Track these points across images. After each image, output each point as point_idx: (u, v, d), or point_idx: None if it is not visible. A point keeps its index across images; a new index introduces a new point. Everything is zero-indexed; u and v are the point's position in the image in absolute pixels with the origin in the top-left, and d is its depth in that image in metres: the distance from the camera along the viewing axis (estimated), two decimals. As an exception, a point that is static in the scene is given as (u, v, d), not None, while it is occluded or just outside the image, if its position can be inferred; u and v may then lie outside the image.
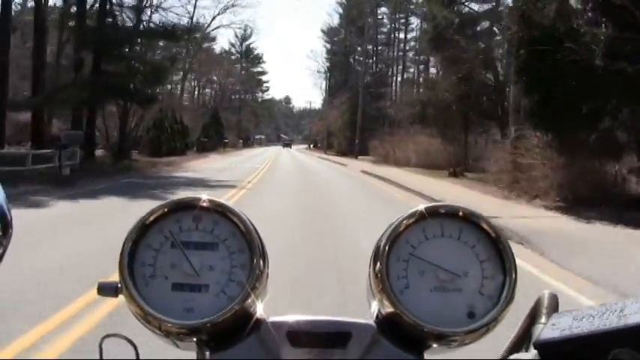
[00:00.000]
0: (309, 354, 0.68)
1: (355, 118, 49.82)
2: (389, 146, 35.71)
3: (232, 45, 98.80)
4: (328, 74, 72.72)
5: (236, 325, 0.69)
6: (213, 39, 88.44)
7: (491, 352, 0.73)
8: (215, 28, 64.48)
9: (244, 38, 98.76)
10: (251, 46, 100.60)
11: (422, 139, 29.95)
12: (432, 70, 51.11)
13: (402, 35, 61.89)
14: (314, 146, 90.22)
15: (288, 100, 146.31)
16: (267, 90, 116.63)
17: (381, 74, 61.07)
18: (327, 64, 76.79)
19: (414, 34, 60.35)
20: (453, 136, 26.66)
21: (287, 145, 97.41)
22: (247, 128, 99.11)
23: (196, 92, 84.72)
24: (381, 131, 43.63)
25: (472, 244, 0.72)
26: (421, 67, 55.27)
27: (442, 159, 26.31)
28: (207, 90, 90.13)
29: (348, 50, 68.09)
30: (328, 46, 76.64)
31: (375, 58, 64.69)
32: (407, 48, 61.77)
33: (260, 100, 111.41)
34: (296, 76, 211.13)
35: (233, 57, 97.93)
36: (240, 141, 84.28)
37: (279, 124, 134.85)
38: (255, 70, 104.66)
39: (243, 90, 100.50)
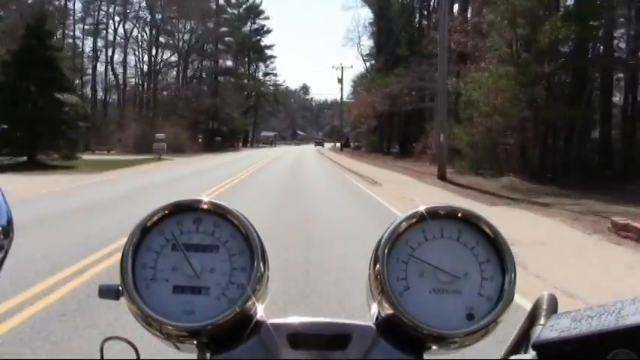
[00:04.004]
0: (309, 356, 0.68)
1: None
2: None
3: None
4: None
5: (236, 328, 0.69)
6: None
7: (490, 354, 0.73)
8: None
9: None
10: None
11: None
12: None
13: None
14: (345, 145, 63.11)
15: (305, 89, 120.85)
16: (273, 61, 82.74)
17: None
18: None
19: None
20: None
21: (319, 143, 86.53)
22: (230, 116, 61.04)
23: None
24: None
25: (471, 246, 0.72)
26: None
27: None
28: (169, 52, 59.99)
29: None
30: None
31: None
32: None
33: (263, 79, 79.31)
34: (314, 56, 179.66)
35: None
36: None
37: (294, 118, 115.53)
38: (254, 26, 69.86)
39: (222, 47, 62.65)
